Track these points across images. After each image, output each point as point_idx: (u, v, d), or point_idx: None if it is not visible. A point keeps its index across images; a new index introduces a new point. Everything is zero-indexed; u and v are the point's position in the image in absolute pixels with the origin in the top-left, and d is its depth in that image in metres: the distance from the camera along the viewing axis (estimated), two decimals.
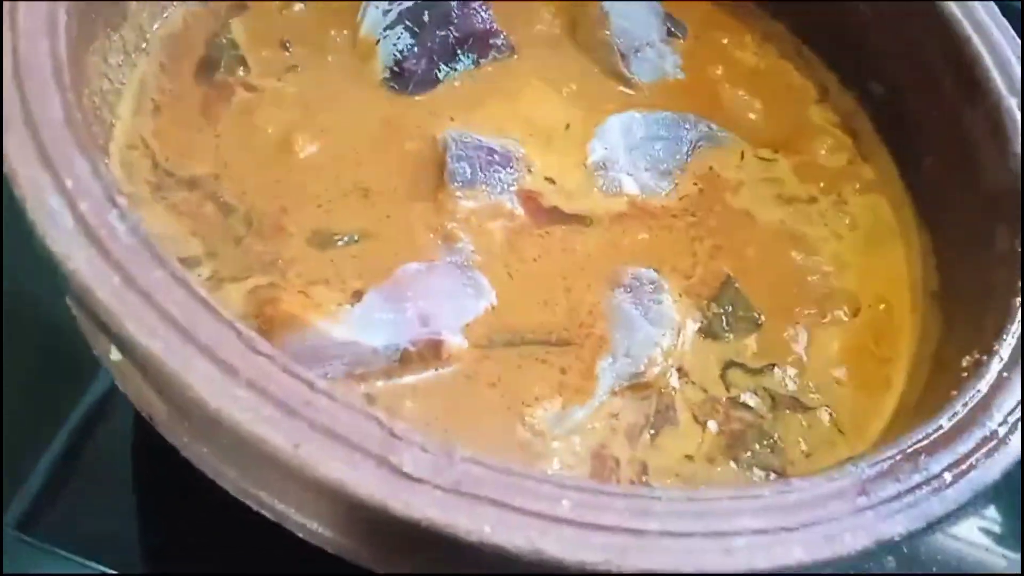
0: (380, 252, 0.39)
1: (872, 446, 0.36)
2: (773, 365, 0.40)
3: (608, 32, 0.50)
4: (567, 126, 0.47)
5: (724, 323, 0.41)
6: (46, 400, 0.43)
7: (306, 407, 0.25)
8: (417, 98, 0.47)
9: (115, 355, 0.28)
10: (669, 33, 0.53)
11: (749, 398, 0.38)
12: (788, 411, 0.38)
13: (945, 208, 0.44)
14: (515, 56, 0.50)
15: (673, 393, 0.38)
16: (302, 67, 0.46)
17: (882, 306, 0.44)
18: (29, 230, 0.27)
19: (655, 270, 0.41)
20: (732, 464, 0.36)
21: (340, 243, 0.40)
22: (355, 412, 0.26)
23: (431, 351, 0.38)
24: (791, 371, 0.40)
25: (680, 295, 0.41)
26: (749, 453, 0.37)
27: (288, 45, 0.47)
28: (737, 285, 0.42)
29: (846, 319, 0.43)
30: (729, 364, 0.40)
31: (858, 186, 0.48)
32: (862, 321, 0.43)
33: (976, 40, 0.42)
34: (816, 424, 0.38)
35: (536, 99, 0.49)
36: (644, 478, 0.35)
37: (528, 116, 0.48)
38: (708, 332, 0.41)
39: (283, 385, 0.26)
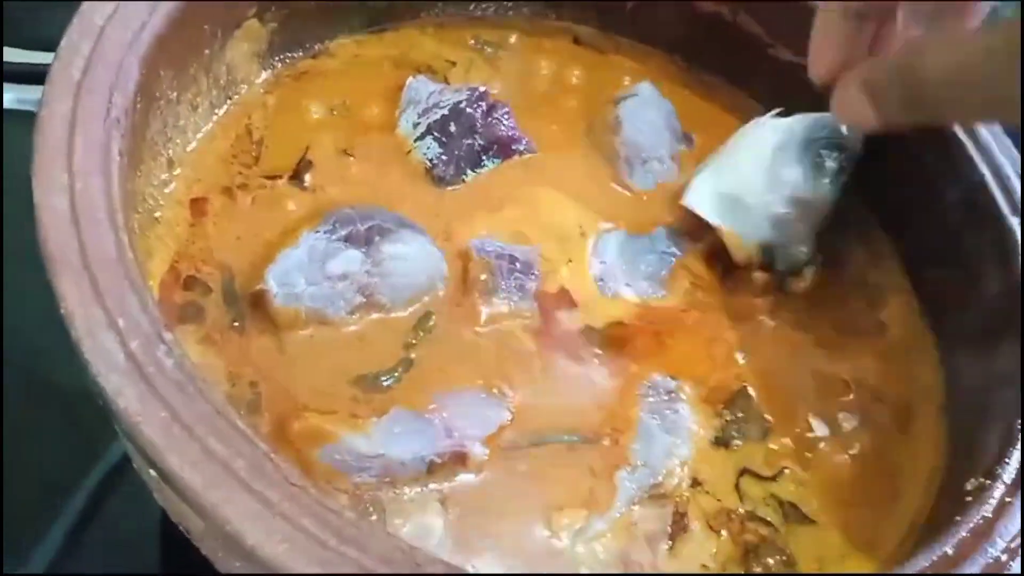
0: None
1: (884, 562, 0.37)
2: (784, 469, 0.41)
3: (618, 140, 0.52)
4: (581, 233, 0.49)
5: (736, 430, 0.43)
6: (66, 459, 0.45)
7: (338, 539, 0.27)
8: (449, 189, 0.49)
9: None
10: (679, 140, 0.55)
11: (762, 510, 0.40)
12: (799, 524, 0.39)
13: (952, 320, 0.46)
14: (537, 154, 0.52)
15: (687, 502, 0.39)
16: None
17: (891, 414, 0.45)
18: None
19: (672, 378, 0.43)
20: None
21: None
22: (383, 540, 0.27)
23: (457, 461, 0.39)
24: (801, 474, 0.41)
25: (698, 402, 0.43)
26: (761, 568, 0.38)
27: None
28: (751, 391, 0.44)
29: (858, 424, 0.44)
30: (743, 472, 0.41)
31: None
32: (873, 427, 0.44)
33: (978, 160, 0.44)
34: (828, 537, 0.39)
35: (552, 203, 0.51)
36: None
37: (545, 220, 0.50)
38: (721, 440, 0.42)
39: (319, 516, 0.27)
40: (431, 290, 0.44)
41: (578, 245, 0.49)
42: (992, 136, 0.45)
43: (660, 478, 0.39)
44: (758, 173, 0.48)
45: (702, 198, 0.48)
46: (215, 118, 0.49)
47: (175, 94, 0.45)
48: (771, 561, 0.38)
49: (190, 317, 0.42)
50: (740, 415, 0.43)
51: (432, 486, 0.39)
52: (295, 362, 0.41)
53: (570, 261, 0.48)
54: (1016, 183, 0.44)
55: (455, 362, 0.42)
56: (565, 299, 0.46)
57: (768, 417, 0.43)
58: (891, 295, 0.49)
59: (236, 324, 0.42)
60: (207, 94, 0.48)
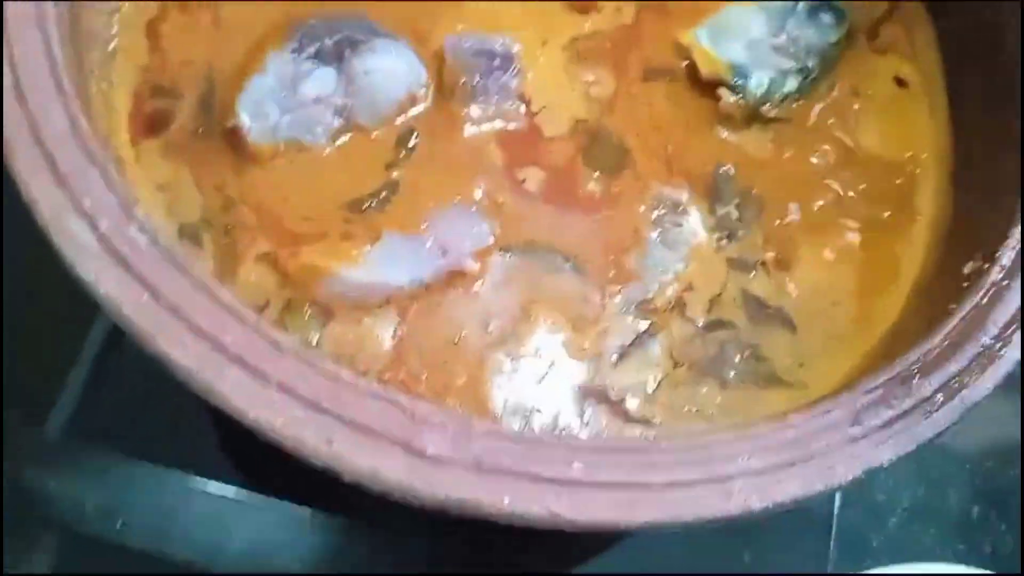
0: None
1: (873, 349, 0.37)
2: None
3: None
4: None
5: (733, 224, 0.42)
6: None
7: (334, 402, 0.28)
8: None
9: None
10: None
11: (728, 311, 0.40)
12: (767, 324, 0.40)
13: (972, 74, 0.43)
14: None
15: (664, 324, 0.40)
16: None
17: (899, 180, 0.44)
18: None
19: (680, 187, 0.42)
20: (721, 388, 0.38)
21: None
22: (379, 400, 0.28)
23: (453, 277, 0.40)
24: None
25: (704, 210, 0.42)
26: (733, 372, 0.38)
27: None
28: (731, 172, 0.43)
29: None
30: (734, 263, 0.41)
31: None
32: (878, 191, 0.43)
33: None
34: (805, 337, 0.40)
35: None
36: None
37: None
38: (722, 240, 0.42)
39: (312, 383, 0.28)
40: (412, 102, 0.42)
41: (558, 18, 0.46)
42: None
43: (651, 294, 0.39)
44: (755, 17, 0.45)
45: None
46: None
47: None
48: (737, 359, 0.39)
49: (159, 127, 0.41)
50: (734, 205, 0.42)
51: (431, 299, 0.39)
52: (279, 189, 0.41)
53: (544, 43, 0.45)
54: None
55: (441, 177, 0.41)
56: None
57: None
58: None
59: (201, 131, 0.41)
60: None
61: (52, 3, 0.33)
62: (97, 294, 0.28)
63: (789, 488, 0.29)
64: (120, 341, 0.47)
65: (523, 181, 0.42)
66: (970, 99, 0.44)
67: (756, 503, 0.28)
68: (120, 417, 0.47)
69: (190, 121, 0.41)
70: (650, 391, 0.38)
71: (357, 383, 0.29)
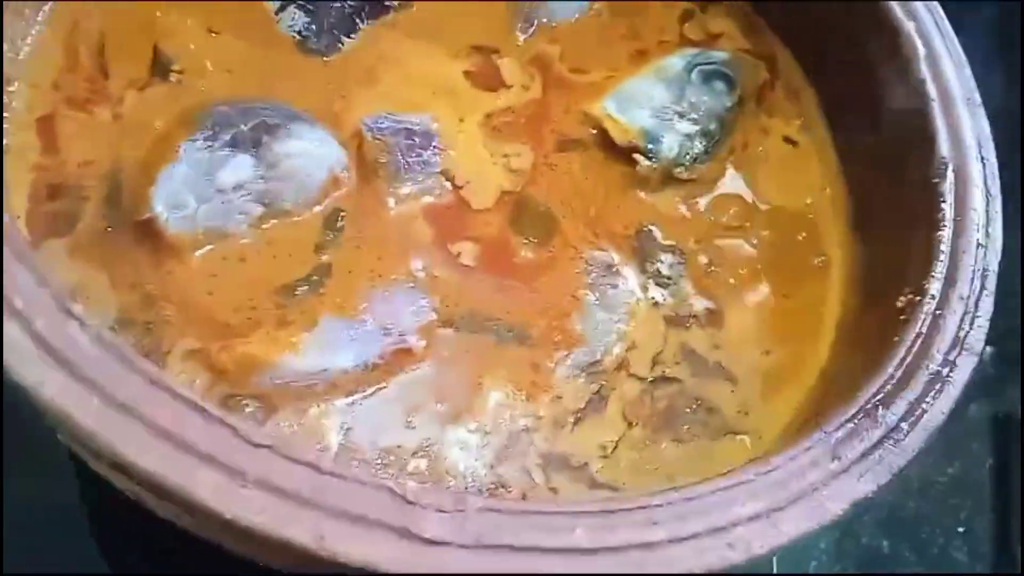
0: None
1: (811, 390, 0.39)
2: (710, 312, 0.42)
3: None
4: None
5: (663, 276, 0.43)
6: None
7: (319, 494, 0.26)
8: (327, 59, 0.46)
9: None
10: None
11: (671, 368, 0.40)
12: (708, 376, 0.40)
13: (855, 129, 0.46)
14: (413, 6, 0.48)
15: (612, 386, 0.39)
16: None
17: (803, 230, 0.46)
18: None
19: (608, 250, 0.42)
20: (677, 444, 0.38)
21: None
22: (367, 486, 0.26)
23: (399, 357, 0.38)
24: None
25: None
26: (686, 425, 0.39)
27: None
28: (654, 231, 0.44)
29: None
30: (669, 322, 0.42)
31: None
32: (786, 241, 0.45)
33: None
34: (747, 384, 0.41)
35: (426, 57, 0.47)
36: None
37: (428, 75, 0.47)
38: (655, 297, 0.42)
39: (291, 475, 0.26)
40: (335, 183, 0.41)
41: (468, 97, 0.46)
42: None
43: (598, 355, 0.39)
44: (655, 87, 0.47)
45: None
46: (43, 17, 0.43)
47: None
48: (688, 411, 0.39)
49: (62, 228, 0.38)
50: (661, 263, 0.43)
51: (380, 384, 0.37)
52: (203, 281, 0.38)
53: (461, 120, 0.45)
54: None
55: (374, 256, 0.40)
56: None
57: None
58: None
59: (110, 229, 0.38)
60: None
61: None
62: (42, 401, 0.25)
63: (787, 529, 0.29)
64: None
65: (458, 255, 0.41)
66: (860, 151, 0.47)
67: (759, 548, 0.28)
68: None
69: (97, 220, 0.38)
70: (609, 453, 0.38)
71: (340, 471, 0.27)
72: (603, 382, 0.39)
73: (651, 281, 0.43)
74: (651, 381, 0.40)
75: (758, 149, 0.49)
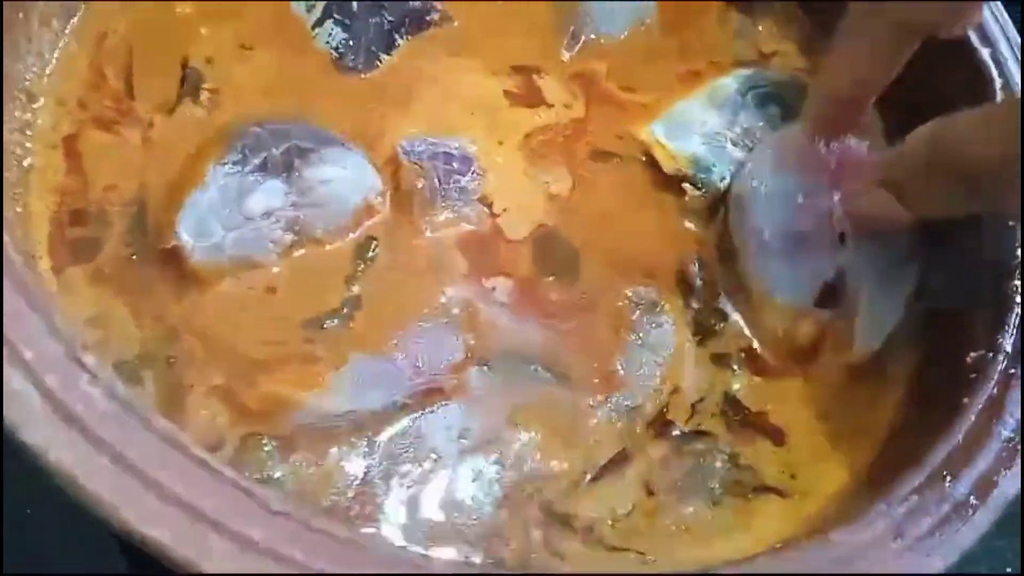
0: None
1: (871, 449, 0.36)
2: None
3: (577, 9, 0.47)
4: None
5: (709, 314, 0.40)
6: None
7: (341, 566, 0.24)
8: (364, 77, 0.44)
9: None
10: None
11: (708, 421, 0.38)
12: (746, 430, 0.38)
13: None
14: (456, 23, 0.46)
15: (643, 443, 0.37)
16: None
17: None
18: None
19: (652, 287, 0.40)
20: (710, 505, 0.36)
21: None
22: (390, 559, 0.25)
23: (430, 395, 0.36)
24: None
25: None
26: (717, 483, 0.36)
27: None
28: (698, 266, 0.41)
29: None
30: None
31: None
32: None
33: None
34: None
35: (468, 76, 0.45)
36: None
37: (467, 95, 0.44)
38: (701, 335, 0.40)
39: (308, 543, 0.24)
40: (368, 211, 0.39)
41: (507, 117, 0.44)
42: None
43: (640, 400, 0.37)
44: (707, 111, 0.45)
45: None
46: (71, 29, 0.41)
47: (21, 14, 0.37)
48: (718, 464, 0.36)
49: (85, 254, 0.37)
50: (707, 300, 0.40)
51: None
52: (229, 313, 0.37)
53: (500, 143, 0.43)
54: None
55: (406, 289, 0.38)
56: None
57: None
58: None
59: (134, 257, 0.37)
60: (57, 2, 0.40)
61: None
62: (47, 462, 0.24)
63: None
64: None
65: (493, 289, 0.39)
66: None
67: None
68: None
69: (122, 247, 0.37)
70: (621, 517, 0.35)
71: (361, 539, 0.25)
72: (636, 431, 0.37)
73: (697, 318, 0.40)
74: (683, 435, 0.37)
75: None
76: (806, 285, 0.39)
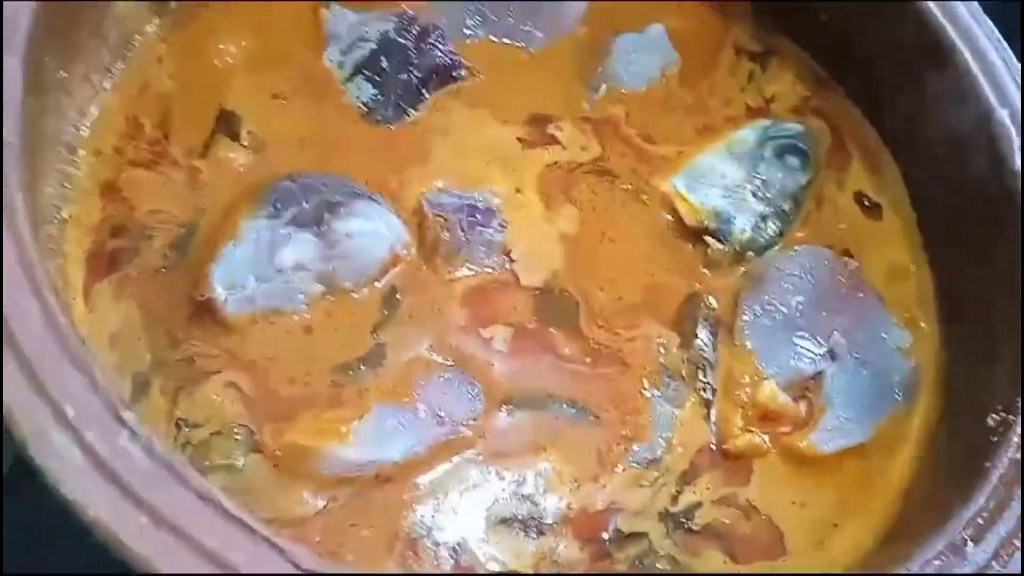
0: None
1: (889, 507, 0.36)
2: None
3: (599, 67, 0.48)
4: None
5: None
6: None
7: None
8: (393, 128, 0.44)
9: None
10: None
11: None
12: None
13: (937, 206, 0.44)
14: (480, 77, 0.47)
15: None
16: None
17: None
18: None
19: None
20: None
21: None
22: None
23: (452, 447, 0.37)
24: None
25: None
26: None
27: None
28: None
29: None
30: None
31: None
32: None
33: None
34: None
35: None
36: None
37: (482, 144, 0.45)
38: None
39: None
40: (395, 261, 0.40)
41: (522, 160, 0.45)
42: None
43: (659, 452, 0.38)
44: (726, 163, 0.45)
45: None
46: (111, 82, 0.42)
47: (65, 73, 0.38)
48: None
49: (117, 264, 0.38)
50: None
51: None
52: (261, 352, 0.37)
53: (519, 191, 0.44)
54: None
55: (429, 336, 0.39)
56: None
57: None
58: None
59: (164, 270, 0.38)
60: (99, 59, 0.41)
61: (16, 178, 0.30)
62: (87, 518, 0.24)
63: None
64: None
65: (511, 336, 0.40)
66: (943, 231, 0.44)
67: None
68: None
69: (155, 258, 0.38)
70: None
71: None
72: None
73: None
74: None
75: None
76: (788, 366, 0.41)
